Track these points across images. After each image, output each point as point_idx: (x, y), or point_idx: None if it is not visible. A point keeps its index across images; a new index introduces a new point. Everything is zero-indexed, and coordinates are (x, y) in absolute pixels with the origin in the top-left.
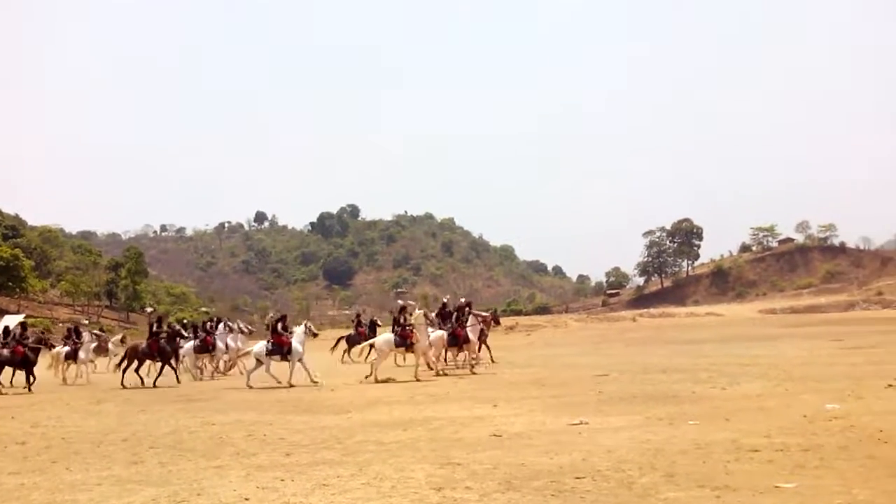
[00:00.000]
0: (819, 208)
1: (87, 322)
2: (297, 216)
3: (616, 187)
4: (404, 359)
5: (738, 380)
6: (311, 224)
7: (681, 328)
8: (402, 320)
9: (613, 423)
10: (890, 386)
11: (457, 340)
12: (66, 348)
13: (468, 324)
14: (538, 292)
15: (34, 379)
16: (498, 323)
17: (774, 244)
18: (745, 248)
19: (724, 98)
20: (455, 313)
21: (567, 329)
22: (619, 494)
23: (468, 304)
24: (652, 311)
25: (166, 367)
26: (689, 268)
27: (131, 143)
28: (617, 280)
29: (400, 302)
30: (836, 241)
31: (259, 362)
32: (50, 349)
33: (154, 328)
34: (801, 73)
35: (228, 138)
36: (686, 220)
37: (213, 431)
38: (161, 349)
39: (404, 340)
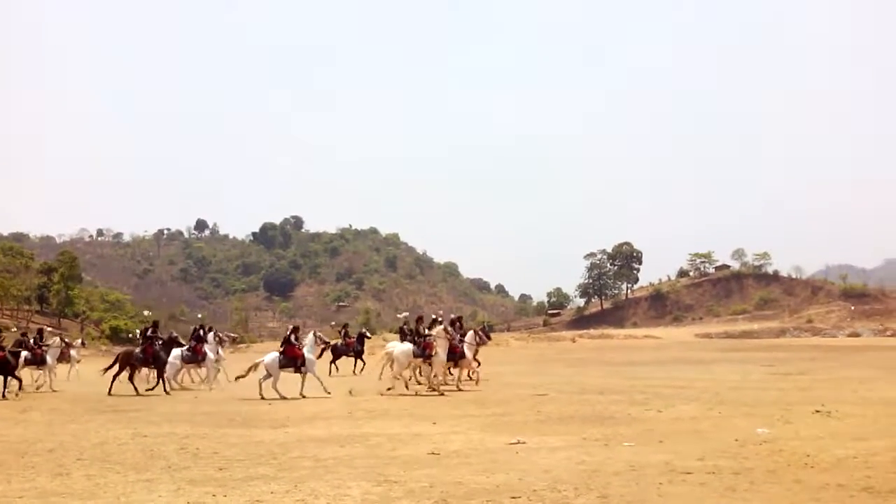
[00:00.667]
0: (754, 237)
1: (49, 328)
2: (239, 225)
3: (559, 209)
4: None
5: (673, 402)
6: (254, 234)
7: (619, 350)
8: (422, 331)
9: (551, 443)
10: (817, 412)
11: (453, 356)
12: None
13: (467, 340)
14: (481, 310)
15: (20, 384)
16: (489, 339)
17: (711, 270)
18: (682, 274)
19: (665, 124)
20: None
21: (508, 347)
22: None
23: (458, 319)
24: (591, 331)
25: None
26: (629, 291)
27: (69, 143)
28: (558, 300)
29: (441, 313)
30: (769, 270)
31: (268, 374)
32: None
33: (149, 334)
34: (740, 101)
35: (170, 143)
36: (626, 243)
37: (144, 444)
38: (156, 356)
39: (423, 351)
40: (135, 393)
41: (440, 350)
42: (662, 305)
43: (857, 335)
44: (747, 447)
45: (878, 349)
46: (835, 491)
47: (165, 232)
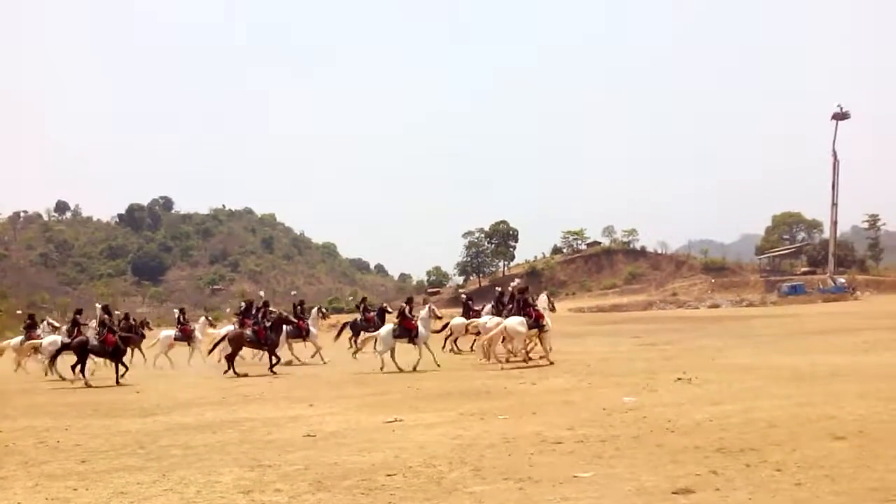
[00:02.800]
0: (623, 214)
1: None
2: (104, 207)
3: (436, 188)
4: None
5: (546, 375)
6: (120, 216)
7: None
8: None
9: (427, 419)
10: (679, 379)
11: (537, 324)
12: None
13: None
14: (360, 290)
15: (125, 369)
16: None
17: (583, 247)
18: (556, 251)
19: (542, 108)
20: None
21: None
22: (428, 490)
23: (525, 289)
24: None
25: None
26: (506, 268)
27: None
28: (437, 279)
29: (517, 282)
30: (637, 246)
31: (384, 346)
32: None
33: (262, 314)
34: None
35: (26, 120)
36: (503, 221)
37: None
38: (267, 337)
39: (537, 322)
40: (234, 375)
41: (548, 321)
42: (538, 282)
43: (716, 306)
44: (614, 415)
45: (735, 319)
46: (692, 453)
47: (22, 214)
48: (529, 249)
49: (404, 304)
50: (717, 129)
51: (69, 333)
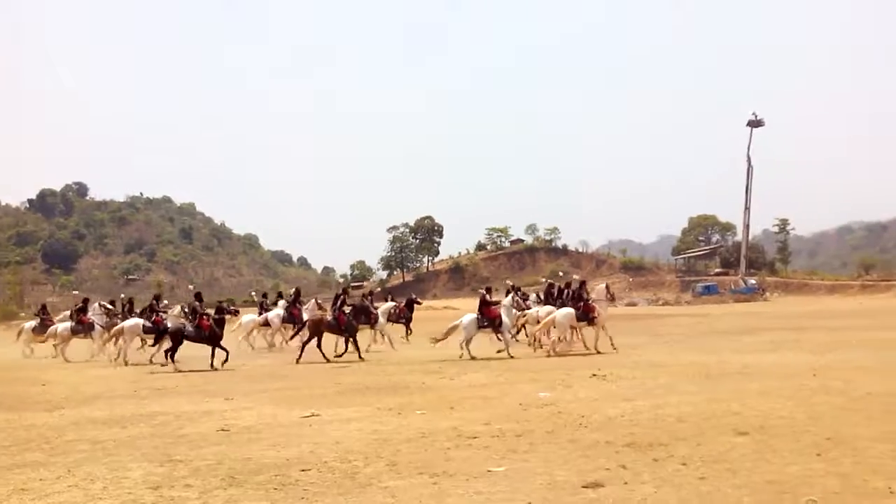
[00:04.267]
0: (544, 213)
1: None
2: (13, 192)
3: (362, 181)
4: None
5: (465, 370)
6: (30, 201)
7: (420, 321)
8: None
9: (345, 414)
10: (594, 376)
11: (586, 316)
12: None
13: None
14: (282, 283)
15: (227, 355)
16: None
17: (507, 244)
18: (480, 247)
19: (470, 109)
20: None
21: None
22: (343, 485)
23: (583, 283)
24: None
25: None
26: (430, 263)
27: None
28: (361, 273)
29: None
30: (559, 244)
31: (468, 335)
32: (236, 315)
33: (342, 301)
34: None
35: None
36: (428, 217)
37: None
38: (348, 323)
39: (586, 315)
40: (324, 361)
41: (603, 312)
42: (461, 277)
43: (633, 304)
44: (530, 410)
45: (650, 317)
46: (603, 447)
47: None
48: (454, 245)
49: (485, 294)
50: (639, 133)
51: (147, 317)
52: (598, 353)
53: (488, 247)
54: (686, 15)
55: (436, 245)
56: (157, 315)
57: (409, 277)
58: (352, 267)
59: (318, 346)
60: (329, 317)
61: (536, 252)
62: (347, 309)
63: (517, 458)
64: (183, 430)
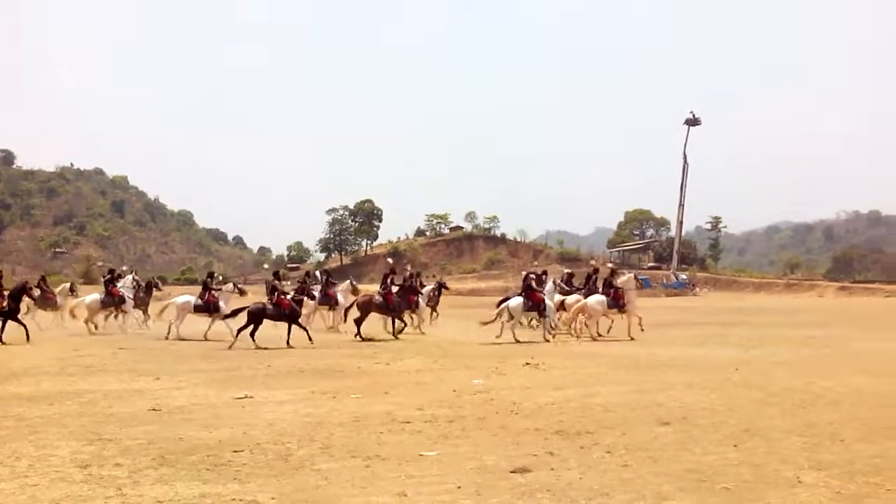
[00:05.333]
0: (486, 201)
1: None
2: None
3: (302, 162)
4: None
5: (401, 356)
6: None
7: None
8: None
9: (279, 396)
10: (527, 364)
11: (616, 303)
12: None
13: (626, 285)
14: (216, 262)
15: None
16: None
17: (446, 231)
18: (420, 233)
19: (414, 94)
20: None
21: (247, 300)
22: (275, 466)
23: (614, 271)
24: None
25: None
26: (368, 247)
27: None
28: (298, 255)
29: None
30: (497, 233)
31: (512, 317)
32: (311, 298)
33: (390, 281)
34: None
35: None
36: (368, 200)
37: None
38: (396, 303)
39: (617, 302)
40: (362, 339)
41: (634, 298)
42: (400, 263)
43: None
44: (463, 397)
45: None
46: (533, 434)
47: None
48: (393, 230)
49: (532, 276)
50: (580, 127)
51: (201, 297)
52: (632, 339)
53: (428, 233)
54: (625, 14)
55: (375, 229)
56: (210, 293)
57: (347, 260)
58: (289, 248)
59: (358, 323)
60: (378, 297)
61: (475, 240)
62: (395, 289)
63: (449, 444)
64: (112, 408)
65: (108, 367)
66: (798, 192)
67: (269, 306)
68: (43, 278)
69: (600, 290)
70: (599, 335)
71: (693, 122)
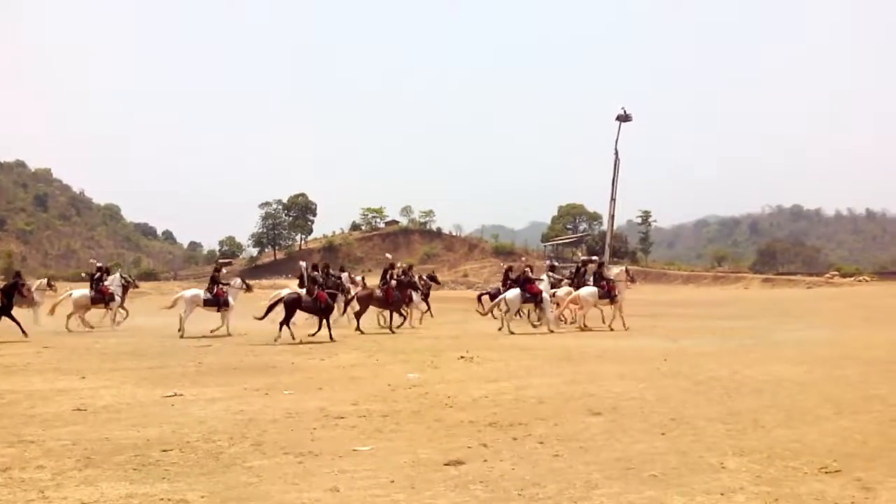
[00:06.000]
0: (422, 196)
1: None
2: None
3: (234, 155)
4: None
5: (335, 351)
6: None
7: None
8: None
9: (209, 394)
10: (462, 358)
11: (609, 295)
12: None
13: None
14: (145, 257)
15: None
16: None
17: (382, 225)
18: (355, 227)
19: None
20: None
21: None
22: (206, 465)
23: (602, 264)
24: (263, 282)
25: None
26: (303, 242)
27: None
28: (230, 249)
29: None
30: (433, 227)
31: (508, 308)
32: (345, 293)
33: (389, 276)
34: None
35: None
36: (301, 194)
37: None
38: (396, 297)
39: (609, 293)
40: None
41: (623, 291)
42: (334, 257)
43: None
44: (398, 391)
45: None
46: (467, 427)
47: None
48: (328, 224)
49: (527, 269)
50: (515, 122)
51: (209, 290)
52: (612, 329)
53: (363, 227)
54: (560, 12)
55: (309, 223)
56: (219, 287)
57: (280, 255)
58: (220, 243)
59: (357, 316)
60: (378, 291)
61: (411, 234)
62: (394, 283)
63: (383, 438)
64: (35, 409)
65: (32, 366)
66: (725, 187)
67: (307, 299)
68: (18, 273)
69: (591, 282)
70: (586, 325)
71: (624, 118)
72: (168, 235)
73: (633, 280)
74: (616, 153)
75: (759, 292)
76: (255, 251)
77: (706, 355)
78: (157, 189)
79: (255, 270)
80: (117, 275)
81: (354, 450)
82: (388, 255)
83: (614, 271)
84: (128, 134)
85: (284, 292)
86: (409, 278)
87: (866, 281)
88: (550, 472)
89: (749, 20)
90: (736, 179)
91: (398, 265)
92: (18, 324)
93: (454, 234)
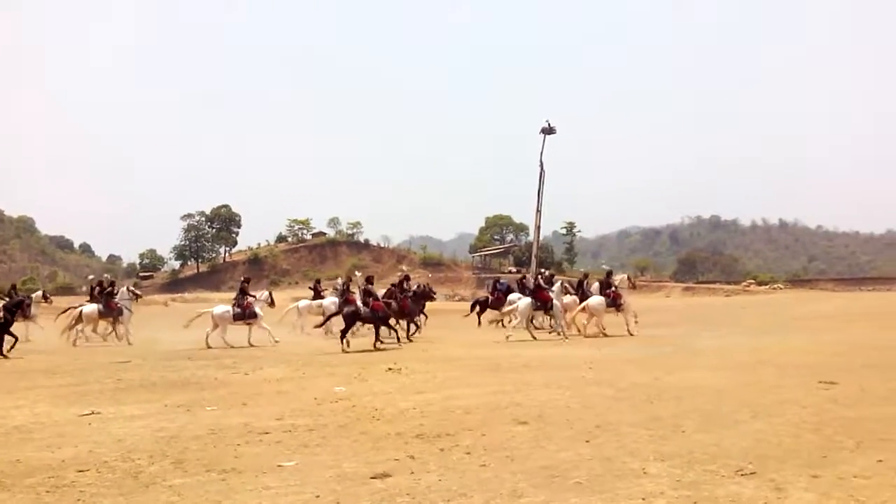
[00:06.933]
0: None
1: None
2: None
3: (154, 165)
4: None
5: (261, 365)
6: None
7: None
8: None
9: (129, 411)
10: (390, 370)
11: (615, 303)
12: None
13: (621, 285)
14: (61, 271)
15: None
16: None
17: (309, 237)
18: (281, 239)
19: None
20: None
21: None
22: (124, 485)
23: (610, 273)
24: (186, 295)
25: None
26: (227, 254)
27: None
28: (151, 262)
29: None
30: (361, 238)
31: (523, 317)
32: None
33: (404, 286)
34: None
35: None
36: (225, 206)
37: None
38: (411, 309)
39: (615, 301)
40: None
41: (627, 297)
42: (260, 270)
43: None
44: (324, 405)
45: (447, 312)
46: (394, 439)
47: None
48: (253, 236)
49: (542, 279)
50: (444, 133)
51: (238, 304)
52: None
53: (289, 238)
54: (494, 21)
55: (234, 235)
56: (248, 299)
57: (203, 268)
58: (141, 256)
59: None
60: (392, 303)
61: (338, 245)
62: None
63: (308, 452)
64: None
65: None
66: (647, 198)
67: (366, 309)
68: (13, 287)
69: (598, 291)
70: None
71: (548, 130)
72: (86, 248)
73: (634, 287)
74: (541, 165)
75: (680, 300)
76: (177, 264)
77: (630, 363)
78: (73, 201)
79: (177, 283)
80: (124, 288)
81: (279, 465)
82: (403, 267)
83: (618, 279)
84: (42, 143)
85: (218, 309)
86: (427, 289)
87: (780, 289)
88: (477, 482)
89: (661, 41)
90: (657, 191)
91: (402, 273)
92: (15, 339)
93: (382, 245)
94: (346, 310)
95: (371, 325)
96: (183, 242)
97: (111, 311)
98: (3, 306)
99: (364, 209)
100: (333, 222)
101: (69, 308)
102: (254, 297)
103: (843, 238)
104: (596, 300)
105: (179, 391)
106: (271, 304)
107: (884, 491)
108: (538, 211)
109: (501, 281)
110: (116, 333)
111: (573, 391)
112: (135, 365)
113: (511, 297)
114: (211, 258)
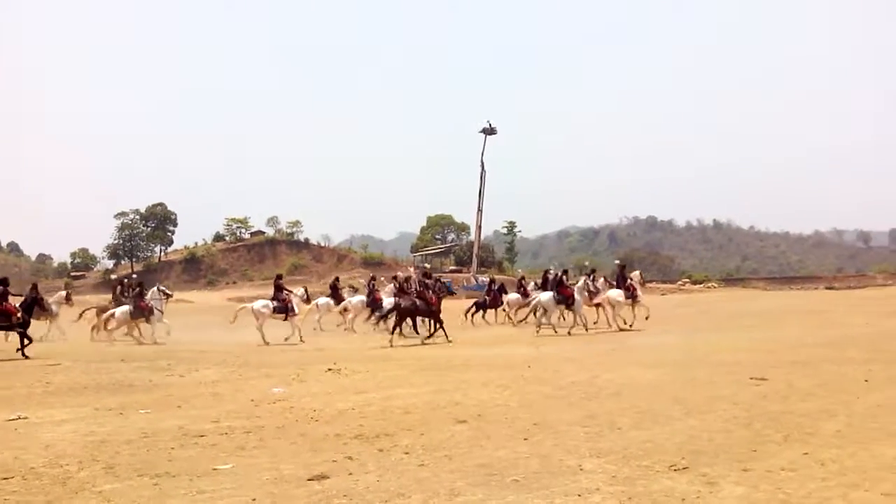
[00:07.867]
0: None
1: None
2: None
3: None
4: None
5: (196, 367)
6: None
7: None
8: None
9: (57, 416)
10: (329, 370)
11: (632, 295)
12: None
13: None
14: None
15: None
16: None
17: (247, 236)
18: (218, 238)
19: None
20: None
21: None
22: (51, 491)
23: (624, 266)
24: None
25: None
26: (162, 253)
27: None
28: (83, 262)
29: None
30: (301, 237)
31: (545, 310)
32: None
33: (432, 282)
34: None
35: None
36: (160, 204)
37: None
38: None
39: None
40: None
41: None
42: (197, 269)
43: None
44: (262, 406)
45: None
46: (333, 441)
47: None
48: (190, 235)
49: (560, 275)
50: (384, 131)
51: (276, 298)
52: (631, 327)
53: (227, 238)
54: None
55: (169, 234)
56: (339, 294)
57: (138, 267)
58: (72, 255)
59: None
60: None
61: (277, 245)
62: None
63: (245, 455)
64: None
65: None
66: (585, 199)
67: (420, 304)
68: (35, 286)
69: (615, 284)
70: (626, 323)
71: (489, 131)
72: (14, 247)
73: (643, 285)
74: (482, 165)
75: None
76: (110, 263)
77: (568, 361)
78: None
79: (110, 284)
80: (155, 288)
81: (214, 469)
82: (426, 265)
83: (633, 274)
84: None
85: (258, 304)
86: (440, 283)
87: (714, 287)
88: (415, 481)
89: (612, 45)
90: (595, 191)
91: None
92: (29, 341)
93: (322, 244)
94: (402, 305)
95: (426, 319)
96: (116, 241)
97: (142, 312)
98: (20, 306)
99: (304, 208)
100: (272, 221)
101: (88, 309)
102: (290, 291)
103: (774, 238)
104: (616, 292)
105: (111, 394)
106: (307, 300)
107: (809, 483)
108: (479, 210)
109: (483, 279)
110: (139, 334)
111: (512, 390)
112: (64, 367)
113: (535, 293)
114: (146, 257)
